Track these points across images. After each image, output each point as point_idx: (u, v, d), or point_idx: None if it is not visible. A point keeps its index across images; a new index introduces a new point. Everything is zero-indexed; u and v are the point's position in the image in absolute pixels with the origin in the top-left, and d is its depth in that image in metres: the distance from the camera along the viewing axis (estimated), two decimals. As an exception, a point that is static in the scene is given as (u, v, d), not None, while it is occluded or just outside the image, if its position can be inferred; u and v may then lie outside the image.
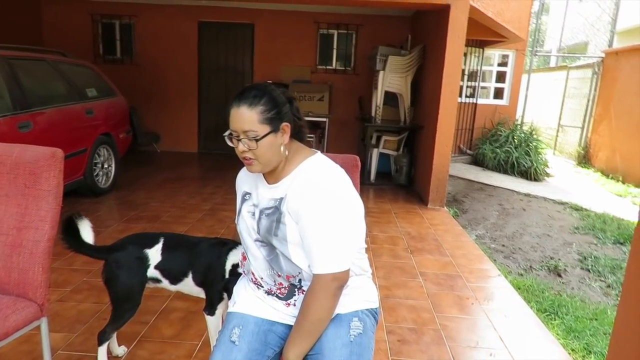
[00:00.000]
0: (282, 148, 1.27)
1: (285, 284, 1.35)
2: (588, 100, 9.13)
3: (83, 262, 3.11)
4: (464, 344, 2.36)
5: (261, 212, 1.33)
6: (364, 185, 5.88)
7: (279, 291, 1.36)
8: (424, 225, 4.37)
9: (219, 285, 1.74)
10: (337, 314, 1.31)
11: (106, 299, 2.61)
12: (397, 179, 6.07)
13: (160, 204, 4.61)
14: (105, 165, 4.89)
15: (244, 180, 1.45)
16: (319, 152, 1.37)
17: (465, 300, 2.87)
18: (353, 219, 1.29)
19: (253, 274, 1.40)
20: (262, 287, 1.39)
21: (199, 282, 1.80)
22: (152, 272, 1.81)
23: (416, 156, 5.91)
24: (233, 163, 7.58)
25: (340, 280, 1.24)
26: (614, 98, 8.35)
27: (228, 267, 1.73)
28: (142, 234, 1.98)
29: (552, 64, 14.71)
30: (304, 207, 1.23)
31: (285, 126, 1.26)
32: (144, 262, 1.80)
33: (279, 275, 1.34)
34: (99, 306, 2.53)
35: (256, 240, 1.35)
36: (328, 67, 7.62)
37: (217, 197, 4.93)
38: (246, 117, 1.21)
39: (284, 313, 1.36)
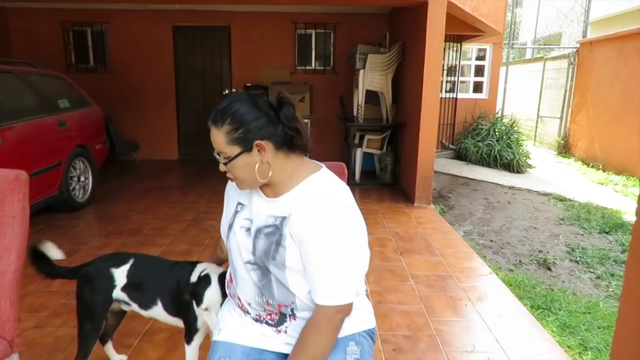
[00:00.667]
0: (257, 167, 1.14)
1: (276, 311, 1.24)
2: (565, 91, 9.24)
3: (60, 284, 2.96)
4: (460, 348, 2.31)
5: (258, 230, 1.20)
6: (350, 185, 5.72)
7: (269, 317, 1.25)
8: (412, 225, 4.32)
9: (191, 314, 1.57)
10: None
11: (86, 323, 2.50)
12: (382, 177, 6.02)
13: (141, 216, 4.47)
14: (82, 178, 4.72)
15: (236, 189, 1.31)
16: (324, 166, 1.25)
17: (458, 301, 2.82)
18: (361, 246, 1.20)
19: (239, 299, 1.29)
20: (250, 313, 1.28)
21: (172, 312, 1.64)
22: (118, 293, 1.68)
23: (400, 154, 5.87)
24: (215, 169, 7.50)
25: (344, 313, 1.15)
26: (590, 87, 8.46)
27: (195, 276, 1.55)
28: (116, 253, 1.86)
29: (528, 56, 14.88)
30: (310, 232, 1.12)
31: (260, 143, 1.13)
32: (109, 281, 1.68)
33: (269, 304, 1.23)
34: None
35: (247, 262, 1.23)
36: (307, 67, 7.54)
37: (199, 206, 4.80)
38: (215, 138, 1.15)
39: (275, 340, 1.26)
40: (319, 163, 1.28)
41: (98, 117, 5.14)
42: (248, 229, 1.23)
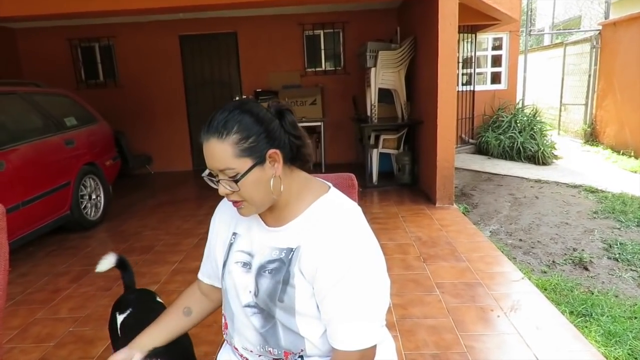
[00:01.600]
0: (272, 182, 0.97)
1: (281, 358, 1.06)
2: (589, 76, 8.83)
3: (69, 310, 2.86)
4: (495, 368, 2.09)
5: (262, 267, 1.02)
6: (367, 188, 5.61)
7: (268, 353, 1.07)
8: (435, 228, 4.09)
9: None
10: None
11: (94, 352, 2.37)
12: (400, 178, 5.79)
13: (154, 232, 4.36)
14: (94, 196, 4.65)
15: (230, 217, 1.13)
16: (331, 185, 1.08)
17: (489, 312, 2.60)
18: (383, 277, 1.01)
19: (236, 348, 1.11)
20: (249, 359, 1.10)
21: None
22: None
23: (418, 153, 5.64)
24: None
25: (368, 358, 0.97)
26: (616, 70, 8.04)
27: None
28: (130, 293, 1.66)
29: (547, 42, 14.40)
30: (326, 267, 0.95)
31: (274, 153, 0.96)
32: (115, 325, 1.52)
33: (272, 353, 1.05)
34: (84, 363, 2.27)
35: (247, 305, 1.04)
36: (317, 69, 7.36)
37: (213, 218, 4.67)
38: (218, 153, 0.93)
39: None
40: (325, 182, 1.10)
41: (107, 133, 5.07)
42: (246, 264, 1.05)
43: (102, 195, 4.76)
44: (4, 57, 6.84)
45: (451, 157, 4.73)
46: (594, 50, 8.65)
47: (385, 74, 5.66)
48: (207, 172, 1.01)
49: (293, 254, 0.99)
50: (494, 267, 3.22)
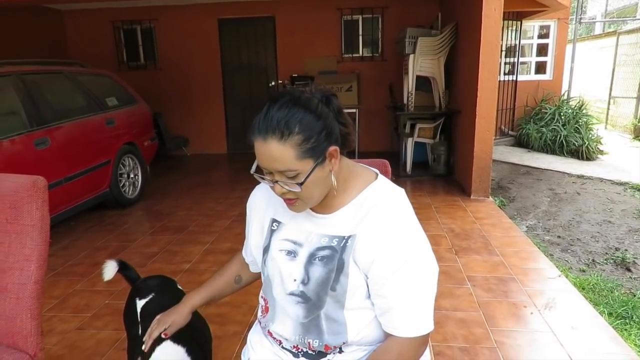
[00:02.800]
0: (332, 176, 0.95)
1: (321, 349, 1.03)
2: (642, 67, 8.34)
3: (106, 283, 2.94)
4: (526, 366, 2.03)
5: (312, 255, 1.00)
6: (400, 177, 5.53)
7: (307, 350, 1.05)
8: (468, 220, 4.00)
9: None
10: None
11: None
12: (435, 168, 5.68)
13: (187, 212, 4.45)
14: (132, 175, 4.79)
15: (267, 203, 1.11)
16: (377, 171, 1.07)
17: (522, 308, 2.52)
18: (435, 266, 1.00)
19: (270, 334, 1.10)
20: (285, 347, 1.08)
21: None
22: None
23: (455, 143, 5.50)
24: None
25: (426, 344, 0.99)
26: (673, 62, 7.57)
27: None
28: (150, 279, 1.67)
29: (597, 31, 13.67)
30: (386, 256, 0.94)
31: (334, 150, 0.93)
32: (134, 310, 1.53)
33: (311, 347, 1.03)
34: (118, 334, 2.35)
35: (292, 293, 1.02)
36: (354, 55, 7.27)
37: (245, 202, 4.70)
38: (278, 155, 0.88)
39: None
40: (370, 168, 1.08)
41: (146, 114, 5.19)
42: (291, 253, 1.03)
43: (139, 174, 4.89)
44: (52, 37, 7.10)
45: (489, 148, 4.59)
46: (650, 40, 8.16)
47: (424, 61, 5.52)
48: (255, 167, 0.96)
49: (346, 242, 0.98)
50: (529, 262, 3.12)
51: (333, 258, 0.98)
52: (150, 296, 1.53)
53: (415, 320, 0.96)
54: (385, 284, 0.95)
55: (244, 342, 2.23)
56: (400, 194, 1.02)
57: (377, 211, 0.97)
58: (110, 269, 1.73)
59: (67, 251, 3.53)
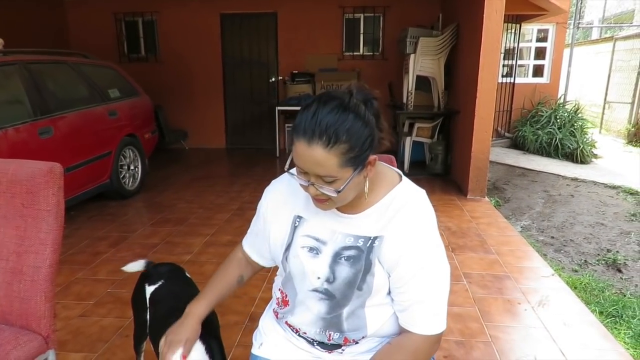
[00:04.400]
0: (366, 182, 0.97)
1: (339, 341, 1.07)
2: (638, 73, 8.45)
3: (108, 272, 3.01)
4: (520, 359, 2.09)
5: (337, 254, 1.00)
6: (398, 176, 5.58)
7: (328, 340, 1.08)
8: (465, 219, 4.07)
9: None
10: None
11: (129, 313, 2.49)
12: (432, 168, 5.74)
13: (188, 205, 4.49)
14: (132, 167, 4.81)
15: (288, 197, 1.09)
16: (402, 173, 1.08)
17: (516, 305, 2.59)
18: (448, 266, 1.04)
19: (288, 324, 1.12)
20: (301, 336, 1.11)
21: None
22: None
23: (452, 143, 5.57)
24: (261, 158, 7.38)
25: (439, 343, 1.02)
26: (668, 69, 7.67)
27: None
28: (160, 266, 1.69)
29: (595, 36, 13.79)
30: (410, 256, 0.96)
31: (373, 160, 0.94)
32: (143, 295, 1.56)
33: (330, 339, 1.06)
34: (121, 321, 2.39)
35: (315, 290, 1.03)
36: (355, 53, 7.31)
37: (245, 195, 4.78)
38: (321, 161, 0.87)
39: (326, 359, 1.10)
40: (395, 169, 1.10)
41: (147, 106, 5.21)
42: (313, 249, 1.03)
43: (139, 166, 4.92)
44: (55, 27, 7.10)
45: (486, 149, 4.66)
46: (646, 46, 8.26)
47: (424, 61, 5.58)
48: (289, 163, 0.96)
49: (372, 242, 0.99)
50: (523, 261, 3.19)
51: (360, 258, 0.99)
52: (160, 282, 1.56)
53: (434, 319, 0.99)
54: (408, 281, 0.98)
55: (245, 332, 2.29)
56: (424, 196, 1.05)
57: (405, 213, 0.99)
58: (135, 266, 1.74)
59: (68, 240, 3.56)
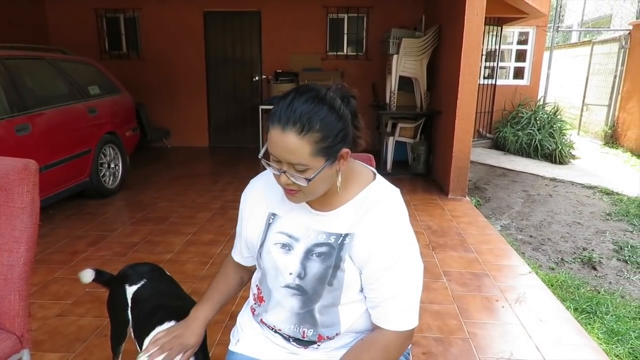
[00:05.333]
0: (337, 177, 0.98)
1: (313, 338, 1.08)
2: (615, 77, 8.65)
3: (86, 271, 2.96)
4: (496, 355, 2.14)
5: (309, 251, 1.02)
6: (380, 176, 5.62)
7: (302, 337, 1.09)
8: (446, 218, 4.12)
9: None
10: None
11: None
12: (414, 168, 5.80)
13: (169, 204, 4.45)
14: (112, 165, 4.75)
15: (264, 196, 1.11)
16: (375, 171, 1.11)
17: (494, 302, 2.64)
18: (421, 263, 1.05)
19: (262, 322, 1.13)
20: (279, 334, 1.12)
21: None
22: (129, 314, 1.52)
23: (434, 143, 5.63)
24: (244, 157, 7.33)
25: (411, 339, 1.03)
26: (644, 73, 7.88)
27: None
28: (138, 266, 1.65)
29: (574, 39, 14.08)
30: (381, 253, 0.98)
31: (345, 153, 0.95)
32: (124, 298, 1.53)
33: (304, 336, 1.07)
34: (100, 321, 2.36)
35: (287, 286, 1.05)
36: (339, 53, 7.34)
37: (227, 194, 4.75)
38: (293, 148, 0.89)
39: (302, 356, 1.11)
40: (368, 167, 1.12)
41: (128, 103, 5.15)
42: (286, 246, 1.05)
43: (120, 164, 4.86)
44: (33, 23, 6.95)
45: (467, 149, 4.72)
46: (622, 50, 8.47)
47: (407, 61, 5.63)
48: (264, 153, 0.97)
49: (344, 239, 1.00)
50: (502, 259, 3.25)
51: (331, 255, 1.00)
52: (142, 282, 1.53)
53: (405, 315, 1.00)
54: (379, 278, 0.99)
55: (225, 330, 2.28)
56: (397, 194, 1.06)
57: (377, 211, 1.00)
58: (87, 275, 1.70)
59: (45, 239, 3.50)
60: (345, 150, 0.95)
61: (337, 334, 1.06)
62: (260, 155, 0.98)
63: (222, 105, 7.58)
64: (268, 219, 1.09)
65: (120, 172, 4.86)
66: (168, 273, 1.66)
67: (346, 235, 1.01)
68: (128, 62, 7.35)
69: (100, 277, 1.74)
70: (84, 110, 4.26)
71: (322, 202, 1.03)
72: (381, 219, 1.00)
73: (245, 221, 1.15)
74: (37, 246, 3.37)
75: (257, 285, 1.16)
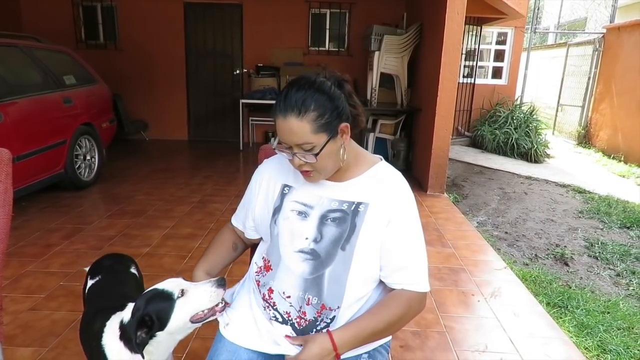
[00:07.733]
0: (342, 151, 1.09)
1: (311, 316, 1.10)
2: (589, 78, 8.89)
3: (60, 265, 2.91)
4: (472, 348, 2.18)
5: (323, 216, 1.11)
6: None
7: (297, 320, 1.11)
8: (424, 214, 4.17)
9: None
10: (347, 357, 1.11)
11: (82, 307, 2.42)
12: (394, 164, 5.80)
13: (147, 197, 4.39)
14: (88, 157, 4.65)
15: (278, 171, 1.22)
16: (382, 157, 1.22)
17: (470, 297, 2.69)
18: None
19: (272, 290, 1.13)
20: (277, 310, 1.12)
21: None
22: None
23: (414, 140, 5.69)
24: (224, 150, 7.25)
25: (425, 304, 1.15)
26: (616, 75, 8.11)
27: (108, 346, 1.18)
28: (106, 258, 1.62)
29: (550, 41, 14.40)
30: (399, 221, 1.09)
31: (345, 127, 1.07)
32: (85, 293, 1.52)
33: (309, 303, 1.09)
34: (74, 315, 2.32)
35: (301, 250, 1.10)
36: (321, 48, 7.33)
37: (206, 188, 4.70)
38: (296, 129, 1.02)
39: (288, 346, 1.12)
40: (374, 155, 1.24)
41: (105, 94, 5.04)
42: (302, 213, 1.13)
43: (96, 156, 4.76)
44: (5, 9, 6.72)
45: (446, 147, 4.79)
46: (596, 53, 8.70)
47: (388, 58, 5.67)
48: (276, 142, 1.09)
49: (357, 207, 1.10)
50: (478, 255, 3.32)
51: (345, 220, 1.09)
52: (98, 277, 1.50)
53: (423, 278, 1.11)
54: (403, 242, 1.09)
55: (204, 324, 2.26)
56: (400, 173, 1.19)
57: (390, 183, 1.13)
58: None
59: (18, 231, 3.41)
60: (344, 124, 1.06)
61: (338, 307, 1.09)
62: (274, 145, 1.11)
63: (202, 98, 7.48)
64: (282, 190, 1.19)
65: (96, 164, 4.76)
66: (135, 270, 1.60)
67: (359, 203, 1.10)
68: (105, 52, 7.18)
69: None
70: (59, 100, 4.15)
71: (336, 176, 1.13)
72: (396, 189, 1.12)
73: (258, 193, 1.24)
74: (10, 239, 3.30)
75: (263, 257, 1.20)
